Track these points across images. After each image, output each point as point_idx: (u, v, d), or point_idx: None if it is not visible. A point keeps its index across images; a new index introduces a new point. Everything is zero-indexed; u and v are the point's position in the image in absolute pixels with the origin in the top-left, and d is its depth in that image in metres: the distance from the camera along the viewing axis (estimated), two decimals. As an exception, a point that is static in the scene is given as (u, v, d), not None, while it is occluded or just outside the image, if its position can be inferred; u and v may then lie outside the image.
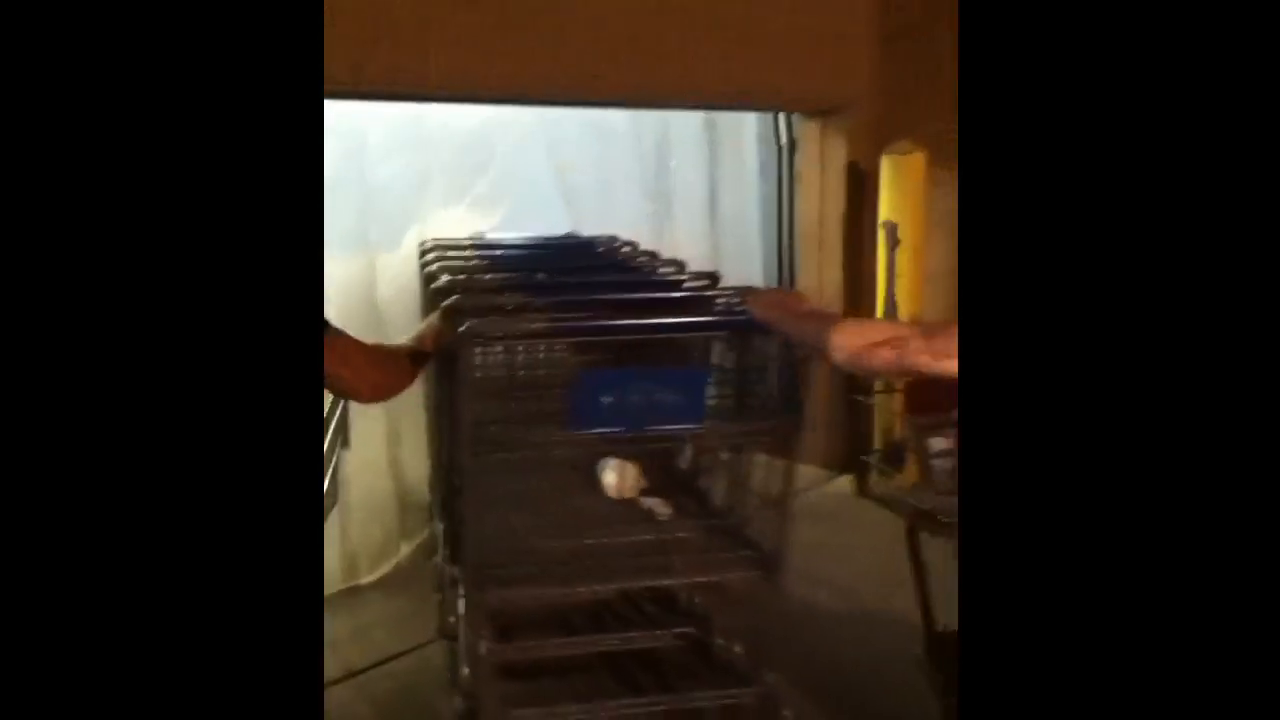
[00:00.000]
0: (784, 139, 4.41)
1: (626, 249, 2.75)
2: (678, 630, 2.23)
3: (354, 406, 3.05)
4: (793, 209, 4.42)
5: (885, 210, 4.05)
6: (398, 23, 2.97)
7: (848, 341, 1.90)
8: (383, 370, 1.89)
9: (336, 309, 2.50)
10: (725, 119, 4.51)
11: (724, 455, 2.16)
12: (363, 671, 2.89)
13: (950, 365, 1.76)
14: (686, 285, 2.24)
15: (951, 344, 1.74)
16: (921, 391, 2.45)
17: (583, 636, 2.20)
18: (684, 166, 4.38)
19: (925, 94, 4.04)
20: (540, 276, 2.41)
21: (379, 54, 3.01)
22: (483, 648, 2.03)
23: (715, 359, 2.07)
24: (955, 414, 2.21)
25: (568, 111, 3.97)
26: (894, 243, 4.03)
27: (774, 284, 4.44)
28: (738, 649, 2.15)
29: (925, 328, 2.01)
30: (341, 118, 3.42)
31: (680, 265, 2.44)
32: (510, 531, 2.06)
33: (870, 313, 4.06)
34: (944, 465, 2.34)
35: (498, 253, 2.76)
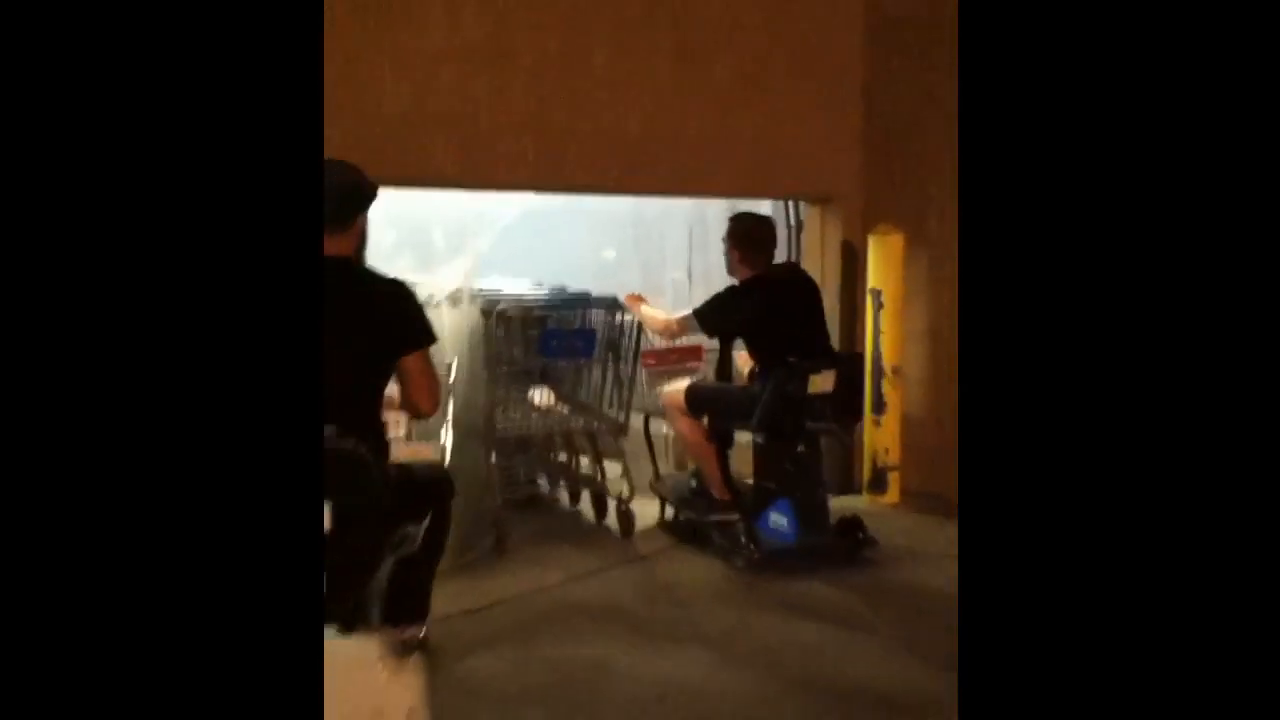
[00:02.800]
0: (793, 221, 5.39)
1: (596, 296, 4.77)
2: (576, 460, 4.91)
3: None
4: (800, 278, 5.38)
5: (872, 279, 4.98)
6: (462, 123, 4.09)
7: (649, 325, 4.39)
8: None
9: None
10: (746, 205, 5.52)
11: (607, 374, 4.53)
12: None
13: (674, 335, 4.42)
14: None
15: (679, 328, 4.30)
16: (655, 355, 4.67)
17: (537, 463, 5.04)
18: (713, 243, 5.38)
19: (903, 186, 5.00)
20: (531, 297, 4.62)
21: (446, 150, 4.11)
22: (494, 459, 4.31)
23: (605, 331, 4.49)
24: (678, 364, 4.67)
25: (613, 201, 5.03)
26: (879, 306, 4.96)
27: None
28: (596, 465, 4.68)
29: (676, 321, 4.32)
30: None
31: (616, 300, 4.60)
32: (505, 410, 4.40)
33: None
34: (656, 389, 4.67)
35: (519, 292, 4.65)
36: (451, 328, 4.21)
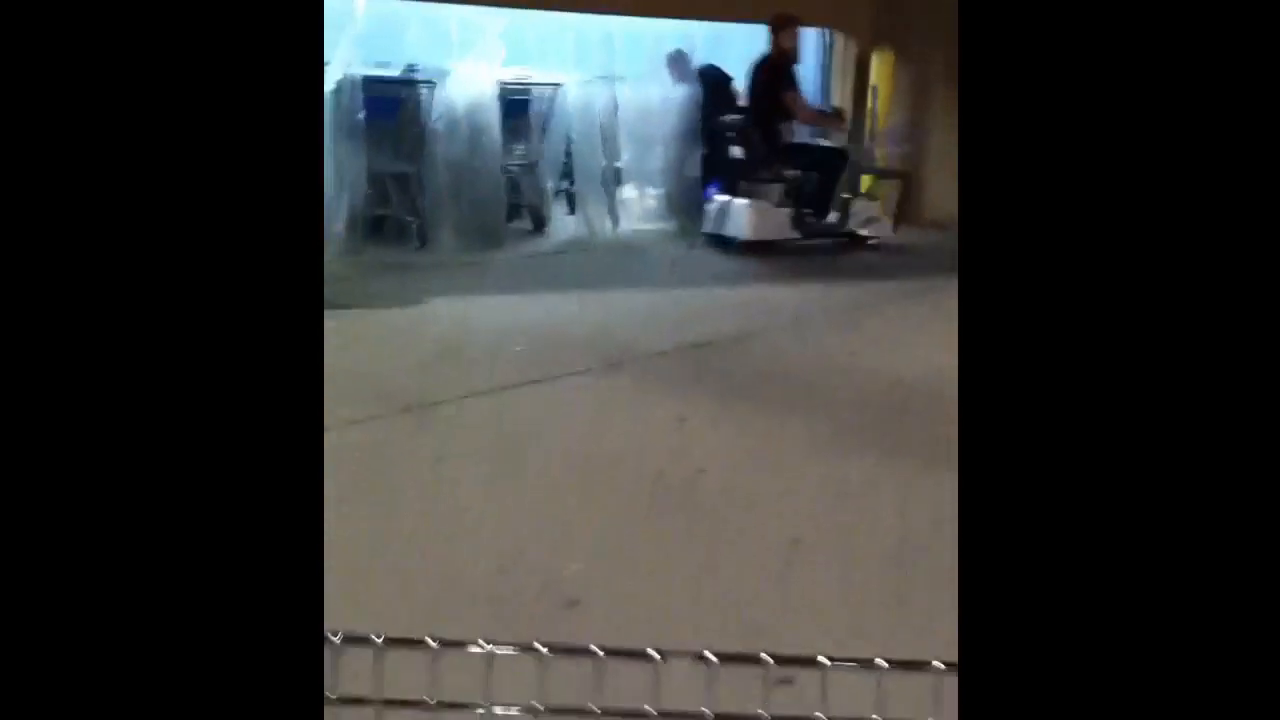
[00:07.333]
0: (829, 42, 9.23)
1: None
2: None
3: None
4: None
5: (873, 79, 8.88)
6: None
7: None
8: None
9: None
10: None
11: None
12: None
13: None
14: None
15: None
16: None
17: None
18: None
19: (894, 24, 8.83)
20: None
21: None
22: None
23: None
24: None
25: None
26: (875, 95, 8.88)
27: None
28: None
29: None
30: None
31: None
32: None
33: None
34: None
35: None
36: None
